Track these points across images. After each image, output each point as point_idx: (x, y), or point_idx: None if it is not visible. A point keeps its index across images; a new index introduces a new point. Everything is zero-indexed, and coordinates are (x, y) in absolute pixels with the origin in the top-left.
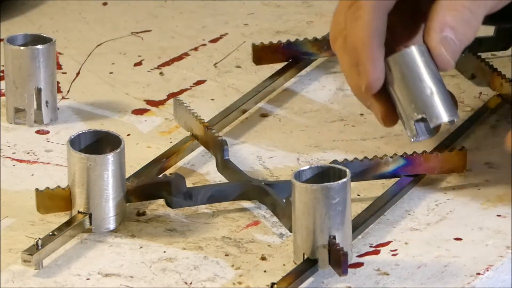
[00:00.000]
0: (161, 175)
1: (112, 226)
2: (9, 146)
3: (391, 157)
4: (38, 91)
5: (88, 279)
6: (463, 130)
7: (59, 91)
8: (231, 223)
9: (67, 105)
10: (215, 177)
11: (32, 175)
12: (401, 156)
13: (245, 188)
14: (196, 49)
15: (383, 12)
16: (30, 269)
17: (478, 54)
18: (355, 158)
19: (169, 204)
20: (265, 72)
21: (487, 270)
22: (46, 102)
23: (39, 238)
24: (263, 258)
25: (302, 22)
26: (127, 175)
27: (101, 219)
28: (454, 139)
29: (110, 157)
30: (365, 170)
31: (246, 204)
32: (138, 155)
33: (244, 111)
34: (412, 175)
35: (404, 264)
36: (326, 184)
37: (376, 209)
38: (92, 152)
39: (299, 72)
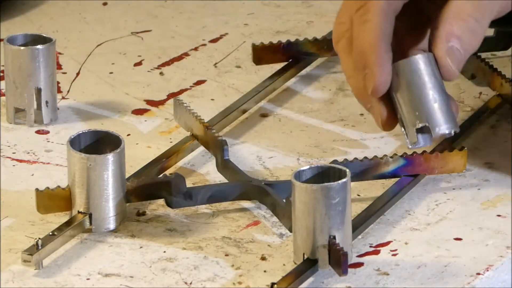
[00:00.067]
0: (161, 175)
1: (112, 226)
2: (9, 146)
3: (391, 157)
4: (38, 91)
5: (88, 279)
6: (463, 130)
7: (59, 91)
8: (231, 223)
9: (67, 105)
10: (215, 177)
11: (32, 175)
12: (401, 156)
13: (245, 188)
14: (196, 49)
15: (392, 15)
16: (30, 269)
17: (478, 54)
18: (355, 158)
19: (169, 204)
20: (265, 72)
21: (487, 270)
22: (46, 102)
23: (39, 238)
24: (263, 258)
25: (302, 22)
26: (127, 175)
27: (101, 219)
28: (454, 139)
29: (110, 157)
30: (365, 170)
31: (246, 204)
32: (138, 155)
33: (244, 111)
34: (412, 175)
35: (404, 264)
36: (326, 184)
37: (376, 209)
38: (92, 152)
39: (299, 72)
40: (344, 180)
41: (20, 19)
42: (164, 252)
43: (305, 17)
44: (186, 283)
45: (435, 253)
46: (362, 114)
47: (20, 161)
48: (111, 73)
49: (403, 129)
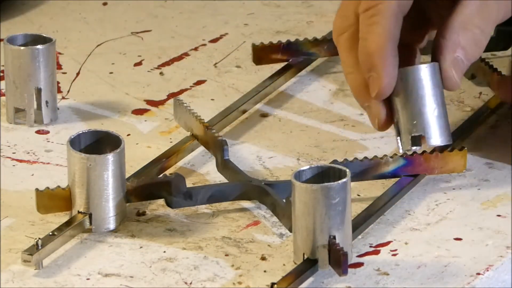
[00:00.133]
0: (161, 175)
1: (112, 226)
2: (9, 146)
3: (391, 157)
4: (38, 91)
5: (88, 279)
6: (463, 130)
7: (59, 91)
8: (231, 223)
9: (67, 105)
10: (215, 177)
11: (32, 175)
12: (401, 156)
13: (245, 188)
14: (196, 49)
15: (401, 19)
16: (30, 269)
17: None
18: (355, 158)
19: (169, 204)
20: (265, 72)
21: (487, 270)
22: (46, 102)
23: (39, 238)
24: (263, 258)
25: (302, 22)
26: (127, 175)
27: (101, 219)
28: (454, 139)
29: (110, 157)
30: (365, 170)
31: (246, 204)
32: (138, 155)
33: (244, 111)
34: (412, 175)
35: (404, 264)
36: (326, 184)
37: (376, 209)
38: (92, 152)
39: (299, 72)
40: (344, 180)
41: (20, 19)
42: (164, 252)
43: (305, 17)
44: (186, 283)
45: (435, 253)
46: (362, 114)
47: (20, 161)
48: (111, 73)
49: (397, 133)
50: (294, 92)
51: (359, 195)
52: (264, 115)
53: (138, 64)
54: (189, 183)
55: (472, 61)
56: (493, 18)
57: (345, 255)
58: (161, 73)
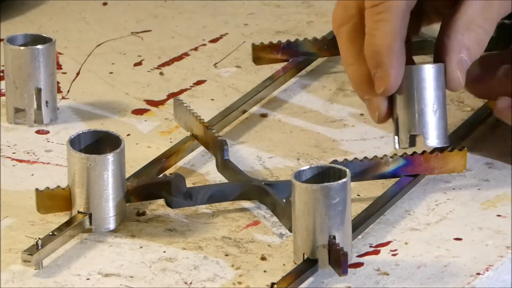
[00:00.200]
0: (161, 175)
1: (112, 226)
2: (9, 146)
3: (391, 157)
4: (38, 91)
5: (88, 279)
6: (463, 130)
7: (59, 91)
8: (231, 223)
9: (67, 105)
10: (215, 177)
11: (32, 175)
12: (401, 156)
13: (245, 188)
14: (196, 49)
15: (408, 16)
16: (30, 269)
17: None
18: (355, 158)
19: (169, 204)
20: (265, 72)
21: (487, 270)
22: (46, 102)
23: (39, 238)
24: (263, 258)
25: (302, 22)
26: (127, 175)
27: (101, 219)
28: (454, 139)
29: (110, 157)
30: (365, 170)
31: (246, 204)
32: (138, 155)
33: (244, 111)
34: (412, 175)
35: (404, 264)
36: (326, 184)
37: (376, 209)
38: (92, 152)
39: (299, 72)
40: (344, 180)
41: (20, 19)
42: (164, 252)
43: (305, 17)
44: (186, 283)
45: (435, 253)
46: (362, 114)
47: (20, 161)
48: (111, 73)
49: (395, 130)
50: (294, 92)
51: (359, 195)
52: (264, 115)
53: (138, 64)
54: (189, 183)
55: (473, 61)
56: (495, 17)
57: (345, 255)
58: (161, 73)
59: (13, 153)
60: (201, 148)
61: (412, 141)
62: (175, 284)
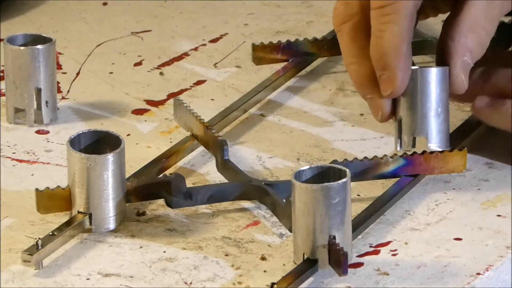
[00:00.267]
0: (161, 175)
1: (112, 226)
2: (9, 146)
3: (391, 157)
4: (38, 91)
5: (88, 279)
6: (463, 130)
7: (59, 91)
8: (231, 223)
9: (67, 105)
10: (215, 177)
11: (32, 175)
12: (401, 156)
13: (245, 188)
14: (196, 49)
15: (415, 17)
16: (30, 269)
17: None
18: (355, 158)
19: (169, 204)
20: (265, 72)
21: (487, 270)
22: (46, 102)
23: (39, 238)
24: (263, 258)
25: (302, 22)
26: (127, 175)
27: (101, 219)
28: (454, 139)
29: (110, 157)
30: (365, 170)
31: (246, 204)
32: (138, 155)
33: (244, 111)
34: (412, 175)
35: (404, 264)
36: (326, 184)
37: (376, 209)
38: (92, 152)
39: (299, 72)
40: (344, 180)
41: (20, 19)
42: (164, 252)
43: (305, 17)
44: (186, 283)
45: (435, 253)
46: (362, 114)
47: (20, 161)
48: (111, 73)
49: (398, 131)
50: (294, 92)
51: (359, 195)
52: (264, 115)
53: (138, 64)
54: (189, 183)
55: (475, 61)
56: (497, 18)
57: (345, 255)
58: (161, 73)
59: (13, 153)
60: (201, 148)
61: (415, 143)
62: (175, 284)
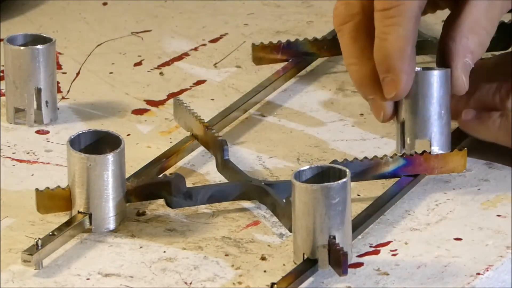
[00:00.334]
0: (161, 175)
1: (112, 226)
2: (9, 146)
3: (391, 157)
4: (38, 91)
5: (88, 279)
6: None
7: (59, 91)
8: (231, 223)
9: (67, 105)
10: (215, 177)
11: (32, 175)
12: (401, 156)
13: (245, 188)
14: (196, 49)
15: (419, 19)
16: (30, 269)
17: None
18: (355, 158)
19: (169, 204)
20: (265, 72)
21: (487, 270)
22: (46, 102)
23: (39, 238)
24: (263, 258)
25: (302, 22)
26: (127, 175)
27: (101, 219)
28: (454, 139)
29: (110, 157)
30: (365, 170)
31: (246, 204)
32: (138, 155)
33: (244, 111)
34: (412, 175)
35: (404, 264)
36: (326, 184)
37: (376, 209)
38: (92, 152)
39: (299, 72)
40: (344, 180)
41: (20, 19)
42: (164, 252)
43: (305, 17)
44: (186, 283)
45: (435, 253)
46: (362, 114)
47: (20, 161)
48: (111, 73)
49: (400, 133)
50: (294, 92)
51: (359, 195)
52: (264, 115)
53: (138, 64)
54: (189, 183)
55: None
56: (497, 18)
57: (345, 255)
58: (161, 73)
59: (13, 153)
60: (201, 148)
61: (417, 145)
62: (175, 284)
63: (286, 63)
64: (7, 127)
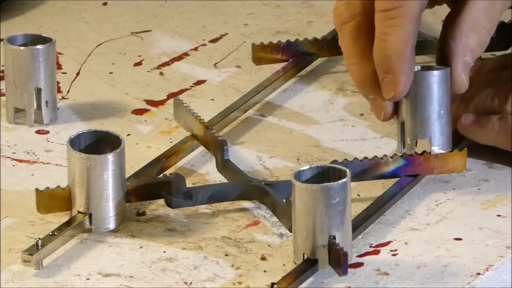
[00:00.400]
0: (161, 175)
1: (112, 226)
2: (9, 146)
3: (391, 157)
4: (38, 91)
5: (88, 279)
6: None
7: (59, 91)
8: (231, 223)
9: (67, 105)
10: (215, 177)
11: (32, 175)
12: (401, 156)
13: (245, 188)
14: (196, 49)
15: (420, 20)
16: (30, 269)
17: None
18: (355, 158)
19: (169, 204)
20: (265, 72)
21: (487, 270)
22: (46, 102)
23: (39, 238)
24: (263, 258)
25: (302, 22)
26: (127, 175)
27: (101, 219)
28: (454, 139)
29: (110, 157)
30: (365, 170)
31: (246, 204)
32: (138, 155)
33: (244, 111)
34: (412, 175)
35: (404, 264)
36: (326, 184)
37: (376, 209)
38: (92, 152)
39: (299, 72)
40: (344, 180)
41: (20, 19)
42: (164, 252)
43: (305, 17)
44: (186, 283)
45: (435, 253)
46: (362, 114)
47: (20, 161)
48: (111, 73)
49: (401, 133)
50: (294, 92)
51: (359, 195)
52: (264, 115)
53: (138, 64)
54: (189, 183)
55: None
56: (497, 17)
57: (345, 255)
58: (161, 73)
59: (13, 153)
60: (201, 148)
61: (418, 145)
62: (175, 284)
63: (286, 63)
64: (7, 127)
